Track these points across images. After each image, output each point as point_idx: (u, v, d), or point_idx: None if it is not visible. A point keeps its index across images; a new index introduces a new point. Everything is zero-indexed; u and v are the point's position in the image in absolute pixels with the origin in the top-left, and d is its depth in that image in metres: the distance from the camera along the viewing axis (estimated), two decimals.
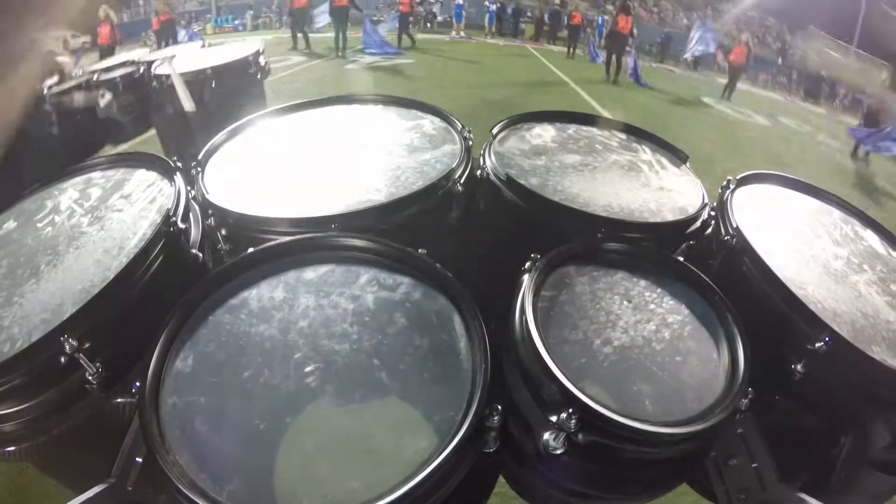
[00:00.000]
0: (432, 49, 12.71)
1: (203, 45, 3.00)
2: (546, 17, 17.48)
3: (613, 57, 10.74)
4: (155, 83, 2.37)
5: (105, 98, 2.02)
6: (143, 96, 2.45)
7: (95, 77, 2.28)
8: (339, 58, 10.55)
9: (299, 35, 11.33)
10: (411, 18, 12.33)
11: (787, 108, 12.74)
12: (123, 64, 2.62)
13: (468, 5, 17.32)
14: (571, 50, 13.90)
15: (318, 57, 10.72)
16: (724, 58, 11.28)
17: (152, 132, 2.76)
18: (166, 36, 10.02)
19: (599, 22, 17.21)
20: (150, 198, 1.11)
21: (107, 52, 6.27)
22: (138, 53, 2.93)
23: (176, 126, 2.34)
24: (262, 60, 2.60)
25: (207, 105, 2.31)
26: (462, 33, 15.95)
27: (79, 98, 1.98)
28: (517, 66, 11.98)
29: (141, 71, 2.49)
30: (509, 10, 18.27)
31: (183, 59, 2.60)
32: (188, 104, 2.15)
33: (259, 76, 2.58)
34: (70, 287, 0.91)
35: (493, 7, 17.95)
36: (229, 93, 2.41)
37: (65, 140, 1.83)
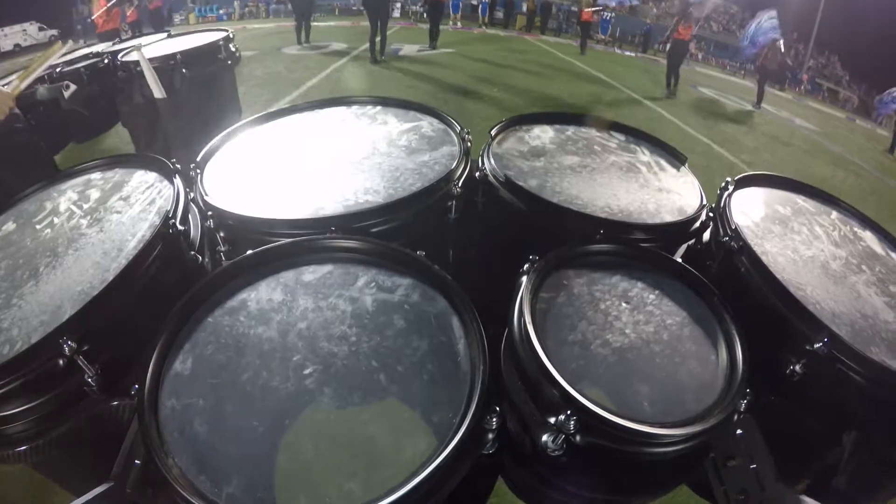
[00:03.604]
0: (449, 42, 10.63)
1: (169, 35, 2.95)
2: (538, 9, 17.87)
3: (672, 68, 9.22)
4: (122, 73, 2.32)
5: (69, 90, 1.93)
6: (109, 88, 2.41)
7: (59, 69, 2.22)
8: (379, 61, 8.34)
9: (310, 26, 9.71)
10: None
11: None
12: (87, 56, 2.58)
13: None
14: (583, 46, 13.83)
15: (340, 55, 8.65)
16: (766, 56, 10.47)
17: (118, 128, 2.70)
18: (158, 25, 9.67)
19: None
20: (149, 199, 1.11)
21: (108, 37, 5.71)
22: (101, 46, 2.89)
23: (145, 116, 2.30)
24: (232, 46, 2.57)
25: (178, 92, 2.26)
26: (459, 23, 16.08)
27: (42, 91, 1.90)
28: (557, 63, 10.44)
29: (106, 61, 2.45)
30: (499, 1, 18.61)
31: (151, 47, 2.55)
32: (158, 91, 2.10)
33: (230, 62, 2.55)
34: (69, 289, 0.91)
35: None
36: (200, 80, 2.36)
37: (27, 139, 1.78)
